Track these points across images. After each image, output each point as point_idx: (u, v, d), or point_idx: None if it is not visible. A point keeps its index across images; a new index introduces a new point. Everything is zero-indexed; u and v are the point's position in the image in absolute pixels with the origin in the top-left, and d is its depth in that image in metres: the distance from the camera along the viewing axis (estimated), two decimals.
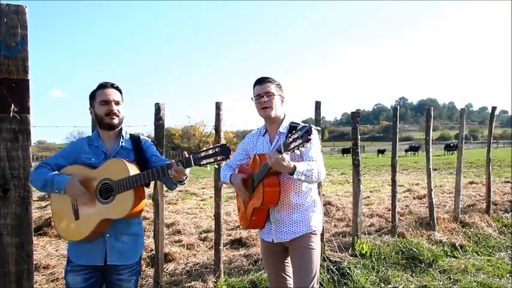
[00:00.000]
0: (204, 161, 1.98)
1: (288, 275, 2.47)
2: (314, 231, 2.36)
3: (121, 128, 2.26)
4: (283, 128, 2.40)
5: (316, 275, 2.30)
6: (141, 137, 2.35)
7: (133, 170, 2.09)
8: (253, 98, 2.40)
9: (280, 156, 1.99)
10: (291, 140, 1.94)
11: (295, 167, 2.06)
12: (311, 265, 2.29)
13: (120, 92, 2.23)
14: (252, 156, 2.43)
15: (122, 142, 2.24)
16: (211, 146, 1.99)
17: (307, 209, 2.37)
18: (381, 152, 37.51)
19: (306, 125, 1.95)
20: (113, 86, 2.20)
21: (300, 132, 1.92)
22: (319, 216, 2.46)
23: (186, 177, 2.06)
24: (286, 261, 2.48)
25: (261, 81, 2.37)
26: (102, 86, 2.19)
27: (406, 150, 39.77)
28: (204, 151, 1.98)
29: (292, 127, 2.33)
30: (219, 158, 1.96)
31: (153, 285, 3.68)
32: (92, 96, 2.21)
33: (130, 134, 2.32)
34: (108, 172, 2.11)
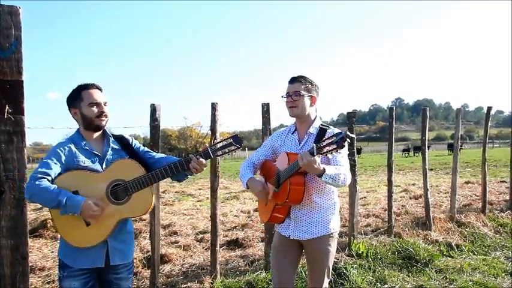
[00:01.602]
0: (220, 152, 2.17)
1: (293, 271, 2.52)
2: (332, 233, 2.42)
3: (104, 129, 2.23)
4: (314, 129, 2.43)
5: (328, 275, 2.42)
6: (125, 135, 2.33)
7: (144, 168, 2.14)
8: (284, 96, 2.43)
9: (312, 158, 2.03)
10: (325, 144, 2.00)
11: (324, 170, 2.11)
12: (325, 266, 2.40)
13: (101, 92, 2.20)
14: (281, 153, 2.46)
15: (111, 143, 2.23)
16: (225, 138, 2.19)
17: (327, 210, 2.41)
18: (406, 150, 36.13)
19: (342, 131, 2.01)
20: (97, 87, 2.16)
21: (335, 138, 1.97)
22: (338, 218, 2.51)
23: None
24: (296, 257, 2.52)
25: (293, 80, 2.42)
26: (88, 87, 2.13)
27: (414, 150, 36.97)
28: (218, 143, 2.17)
29: (322, 129, 2.38)
30: (233, 147, 2.15)
31: (149, 287, 3.67)
32: (77, 97, 2.12)
33: (112, 135, 2.29)
34: (118, 173, 2.10)
